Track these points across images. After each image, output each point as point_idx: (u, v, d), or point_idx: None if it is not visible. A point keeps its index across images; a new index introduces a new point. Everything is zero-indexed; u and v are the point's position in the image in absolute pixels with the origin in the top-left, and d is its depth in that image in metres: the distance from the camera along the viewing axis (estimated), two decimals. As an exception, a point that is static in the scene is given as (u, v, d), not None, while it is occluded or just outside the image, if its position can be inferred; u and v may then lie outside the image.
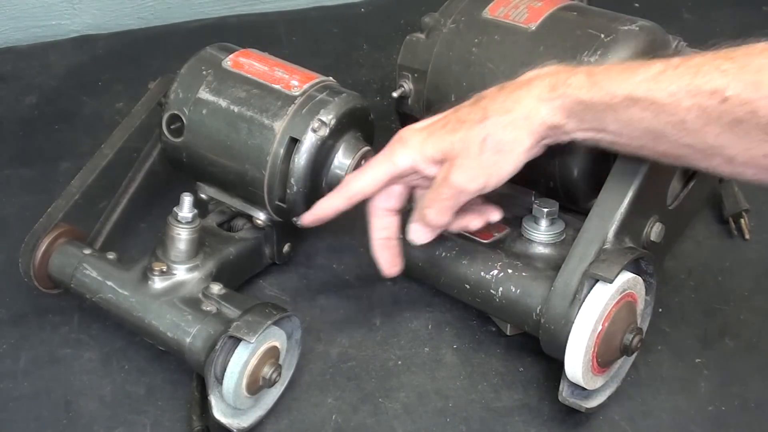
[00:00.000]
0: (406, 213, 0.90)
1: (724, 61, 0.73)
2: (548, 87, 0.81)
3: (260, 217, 0.97)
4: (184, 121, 0.96)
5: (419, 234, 0.88)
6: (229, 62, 0.97)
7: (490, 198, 0.89)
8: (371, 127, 0.98)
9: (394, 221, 0.89)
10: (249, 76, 0.96)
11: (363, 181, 0.86)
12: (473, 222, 0.90)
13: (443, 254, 0.94)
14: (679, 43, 0.97)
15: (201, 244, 0.93)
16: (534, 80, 0.82)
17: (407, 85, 1.04)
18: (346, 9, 1.42)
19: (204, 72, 0.96)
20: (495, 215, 0.91)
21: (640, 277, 0.88)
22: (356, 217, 1.07)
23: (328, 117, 0.92)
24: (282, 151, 0.92)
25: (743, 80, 0.71)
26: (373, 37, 1.35)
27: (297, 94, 0.94)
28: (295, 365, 0.91)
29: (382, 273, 0.90)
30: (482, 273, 0.92)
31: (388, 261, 0.90)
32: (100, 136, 1.02)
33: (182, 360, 0.88)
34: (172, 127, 0.97)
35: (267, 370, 0.85)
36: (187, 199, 0.91)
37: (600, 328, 0.84)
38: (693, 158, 0.78)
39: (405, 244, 0.96)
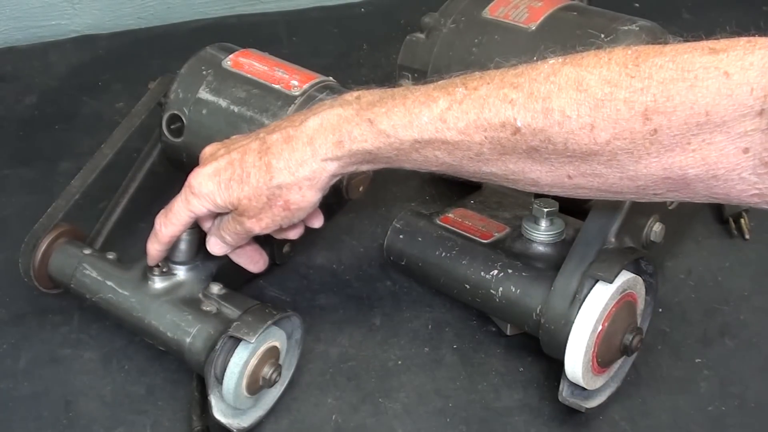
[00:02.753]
0: None
1: (511, 89, 0.72)
2: (333, 144, 0.79)
3: (260, 217, 0.96)
4: (184, 121, 0.96)
5: (217, 248, 0.89)
6: (229, 62, 0.97)
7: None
8: (371, 127, 0.98)
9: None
10: (249, 76, 0.96)
11: (170, 228, 0.87)
12: (287, 233, 0.90)
13: (443, 254, 0.94)
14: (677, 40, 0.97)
15: (201, 244, 0.93)
16: (317, 138, 0.79)
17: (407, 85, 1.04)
18: (346, 9, 1.42)
19: (204, 72, 0.96)
20: (295, 233, 0.90)
21: (640, 277, 0.88)
22: (356, 217, 1.08)
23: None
24: (282, 151, 0.92)
25: (531, 109, 0.70)
26: (373, 37, 1.35)
27: (297, 94, 0.94)
28: (295, 365, 0.91)
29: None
30: (482, 273, 0.92)
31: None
32: (100, 136, 1.02)
33: (182, 360, 0.88)
34: (172, 127, 0.97)
35: (267, 370, 0.85)
36: (187, 199, 0.91)
37: (600, 328, 0.84)
38: (500, 181, 0.77)
39: (405, 241, 0.97)
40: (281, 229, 0.87)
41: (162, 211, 0.87)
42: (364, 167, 0.81)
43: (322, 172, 0.80)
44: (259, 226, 0.84)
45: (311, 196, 0.82)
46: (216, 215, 0.87)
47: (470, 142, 0.74)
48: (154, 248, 0.89)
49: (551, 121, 0.70)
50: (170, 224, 0.87)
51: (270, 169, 0.81)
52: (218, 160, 0.84)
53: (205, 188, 0.84)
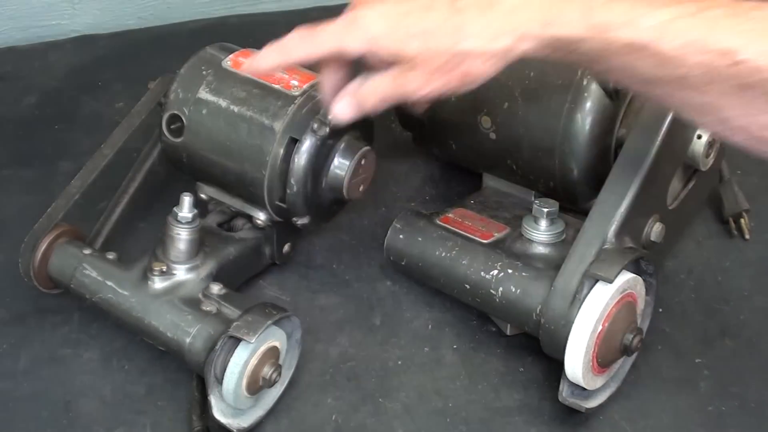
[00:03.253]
0: None
1: (745, 20, 0.67)
2: (539, 23, 0.71)
3: (260, 217, 0.96)
4: (184, 121, 0.96)
5: (347, 110, 0.79)
6: (229, 62, 0.97)
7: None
8: (371, 127, 0.98)
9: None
10: (249, 76, 0.96)
11: (305, 47, 0.78)
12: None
13: (443, 254, 0.94)
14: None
15: (201, 244, 0.93)
16: (522, 11, 0.72)
17: (407, 85, 1.04)
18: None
19: (204, 72, 0.96)
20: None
21: (640, 277, 0.88)
22: (356, 217, 1.08)
23: (328, 117, 0.91)
24: (282, 151, 0.92)
25: (761, 46, 0.66)
26: (373, 37, 1.35)
27: (297, 94, 0.94)
28: (295, 365, 0.91)
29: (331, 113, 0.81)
30: (482, 273, 0.92)
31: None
32: (100, 136, 1.02)
33: (182, 360, 0.88)
34: (172, 127, 0.97)
35: (267, 370, 0.85)
36: (187, 199, 0.91)
37: (600, 328, 0.84)
38: (684, 110, 0.72)
39: (405, 241, 0.97)
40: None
41: (304, 28, 0.77)
42: (555, 56, 0.72)
43: (515, 49, 0.72)
44: (426, 89, 0.74)
45: (493, 70, 0.73)
46: (352, 72, 0.78)
47: (682, 61, 0.68)
48: (270, 57, 0.79)
49: None
50: (308, 43, 0.77)
51: (460, 32, 0.72)
52: (397, 3, 0.74)
53: (375, 27, 0.74)
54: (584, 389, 0.87)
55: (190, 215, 0.91)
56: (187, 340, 0.87)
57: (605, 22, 0.70)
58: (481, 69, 0.74)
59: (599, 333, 0.85)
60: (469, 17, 0.72)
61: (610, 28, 0.69)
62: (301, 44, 0.77)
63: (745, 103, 0.69)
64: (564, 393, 0.86)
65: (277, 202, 0.94)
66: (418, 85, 0.74)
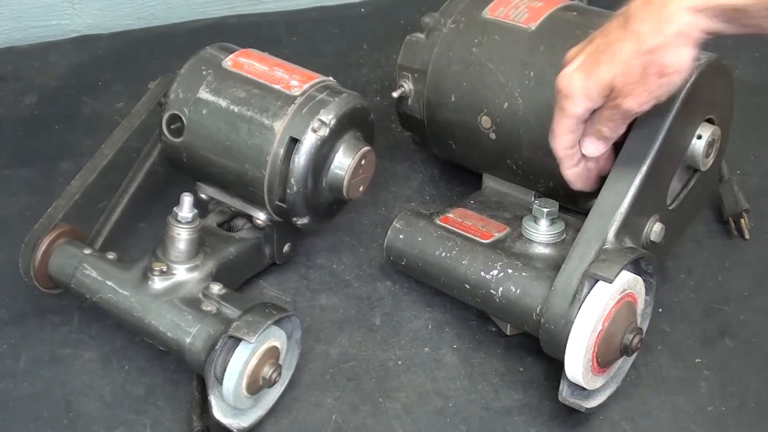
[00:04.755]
0: None
1: None
2: None
3: (260, 217, 0.97)
4: (184, 121, 0.96)
5: (593, 147, 0.87)
6: (229, 62, 0.97)
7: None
8: (371, 127, 0.98)
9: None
10: (249, 76, 0.96)
11: (561, 141, 0.86)
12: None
13: (443, 254, 0.94)
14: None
15: (201, 244, 0.93)
16: None
17: (407, 85, 1.04)
18: (346, 9, 1.42)
19: (204, 72, 0.96)
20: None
21: (640, 277, 0.88)
22: (356, 217, 1.08)
23: (328, 117, 0.92)
24: (282, 151, 0.92)
25: None
26: (373, 37, 1.35)
27: (297, 94, 0.94)
28: (295, 365, 0.91)
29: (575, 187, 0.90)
30: (482, 273, 0.92)
31: (584, 177, 0.89)
32: (100, 136, 1.02)
33: (182, 360, 0.88)
34: (172, 127, 0.97)
35: (267, 370, 0.85)
36: (187, 199, 0.91)
37: (600, 328, 0.85)
38: None
39: (405, 241, 0.97)
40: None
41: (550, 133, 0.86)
42: (730, 28, 0.76)
43: (692, 25, 0.76)
44: (638, 102, 0.80)
45: (687, 54, 0.77)
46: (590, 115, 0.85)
47: None
48: (567, 171, 0.88)
49: None
50: (559, 137, 0.86)
51: (638, 36, 0.78)
52: (583, 53, 0.82)
53: (576, 84, 0.82)
54: (584, 389, 0.87)
55: (190, 215, 0.91)
56: (187, 340, 0.87)
57: None
58: (675, 58, 0.77)
59: (599, 333, 0.85)
60: (639, 19, 0.78)
61: None
62: (556, 140, 0.87)
63: None
64: (564, 393, 0.86)
65: (277, 202, 0.94)
66: (633, 102, 0.80)
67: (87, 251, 0.94)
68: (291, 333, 0.89)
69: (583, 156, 0.88)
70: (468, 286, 0.93)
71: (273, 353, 0.86)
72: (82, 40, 1.35)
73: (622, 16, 0.81)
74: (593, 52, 0.82)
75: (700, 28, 0.77)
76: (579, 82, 0.83)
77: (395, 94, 1.04)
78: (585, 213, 0.90)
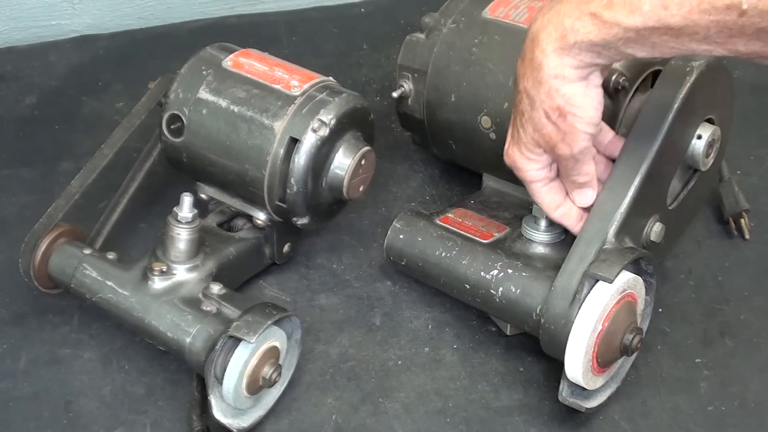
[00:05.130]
0: None
1: None
2: (557, 39, 0.78)
3: (260, 217, 0.97)
4: (184, 121, 0.96)
5: (583, 197, 0.89)
6: (229, 62, 0.97)
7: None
8: (371, 127, 0.98)
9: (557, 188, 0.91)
10: (249, 76, 0.96)
11: (545, 206, 0.90)
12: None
13: (443, 254, 0.94)
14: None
15: (201, 244, 0.93)
16: (540, 35, 0.80)
17: (407, 85, 1.04)
18: (346, 9, 1.42)
19: (204, 72, 0.96)
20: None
21: (640, 277, 0.88)
22: (356, 217, 1.08)
23: (328, 117, 0.92)
24: (282, 151, 0.92)
25: None
26: (373, 37, 1.35)
27: (297, 94, 0.94)
28: (295, 365, 0.91)
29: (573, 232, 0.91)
30: (482, 273, 0.92)
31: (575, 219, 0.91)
32: (100, 136, 1.02)
33: (182, 360, 0.88)
34: (172, 127, 0.97)
35: (267, 370, 0.85)
36: (187, 199, 0.91)
37: (600, 328, 0.84)
38: (738, 58, 0.75)
39: (405, 241, 0.97)
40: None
41: None
42: (601, 60, 0.79)
43: (562, 66, 0.79)
44: (567, 146, 0.83)
45: (575, 89, 0.81)
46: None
47: (696, 26, 0.72)
48: (576, 228, 0.90)
49: None
50: (543, 204, 0.90)
51: (528, 94, 0.82)
52: (510, 126, 0.87)
53: (515, 157, 0.87)
54: (584, 389, 0.87)
55: (190, 215, 0.91)
56: (187, 340, 0.87)
57: (611, 18, 0.75)
58: (563, 98, 0.81)
59: (599, 333, 0.85)
60: (523, 76, 0.82)
61: (618, 21, 0.75)
62: (543, 207, 0.91)
63: None
64: (564, 393, 0.86)
65: (277, 202, 0.94)
66: (564, 148, 0.84)
67: (87, 251, 0.94)
68: (291, 333, 0.89)
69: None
70: (468, 286, 0.93)
71: (273, 353, 0.86)
72: (82, 40, 1.35)
73: (515, 82, 0.84)
74: (513, 122, 0.87)
75: (572, 65, 0.79)
76: (516, 154, 0.87)
77: (395, 94, 1.04)
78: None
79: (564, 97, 0.81)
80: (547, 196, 0.89)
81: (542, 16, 0.80)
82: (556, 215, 0.90)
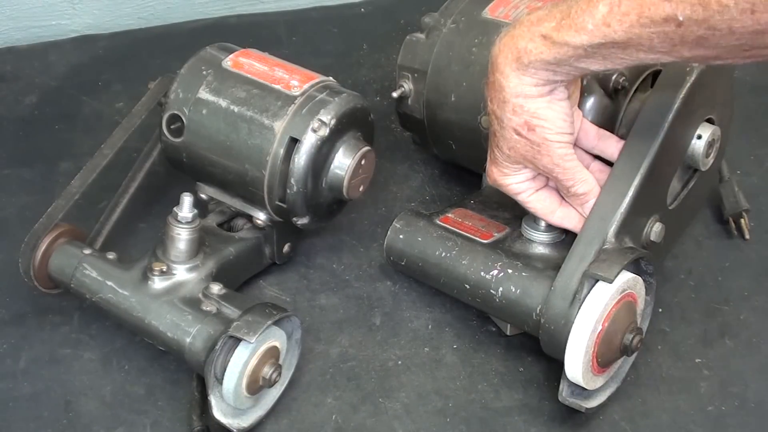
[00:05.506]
0: None
1: None
2: (513, 60, 0.82)
3: (260, 217, 0.97)
4: (184, 121, 0.96)
5: (589, 208, 0.90)
6: (229, 62, 0.97)
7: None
8: (371, 127, 0.98)
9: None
10: (249, 76, 0.96)
11: (545, 212, 0.91)
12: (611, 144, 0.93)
13: (443, 254, 0.94)
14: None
15: (201, 244, 0.93)
16: (498, 59, 0.83)
17: (407, 85, 1.04)
18: (346, 9, 1.42)
19: (204, 72, 0.96)
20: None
21: (640, 277, 0.88)
22: (356, 217, 1.08)
23: (328, 117, 0.92)
24: (282, 151, 0.92)
25: (689, 3, 0.71)
26: (373, 37, 1.35)
27: (297, 94, 0.94)
28: (295, 365, 0.91)
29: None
30: (482, 273, 0.92)
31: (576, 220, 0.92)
32: (100, 136, 1.02)
33: (182, 360, 0.88)
34: (172, 127, 0.97)
35: (267, 370, 0.85)
36: (187, 199, 0.91)
37: (600, 328, 0.84)
38: (690, 62, 0.78)
39: (405, 241, 0.97)
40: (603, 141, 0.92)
41: None
42: (558, 77, 0.82)
43: (521, 85, 0.83)
44: (546, 158, 0.86)
45: (536, 106, 0.83)
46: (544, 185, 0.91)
47: (639, 39, 0.75)
48: (570, 228, 0.91)
49: (710, 12, 0.70)
50: (540, 214, 0.91)
51: (496, 115, 0.85)
52: (492, 151, 0.89)
53: (496, 177, 0.90)
54: (584, 389, 0.87)
55: (190, 215, 0.91)
56: (187, 340, 0.87)
57: (559, 39, 0.79)
58: (530, 113, 0.84)
59: (599, 333, 0.85)
60: (489, 102, 0.86)
61: (566, 41, 0.78)
62: (542, 217, 0.92)
63: (714, 47, 0.73)
64: (564, 393, 0.86)
65: (277, 202, 0.94)
66: (545, 161, 0.86)
67: (87, 251, 0.94)
68: (291, 333, 0.89)
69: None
70: (468, 286, 0.93)
71: (273, 353, 0.86)
72: (82, 40, 1.35)
73: (485, 105, 0.87)
74: (489, 143, 0.89)
75: (531, 83, 0.83)
76: (495, 173, 0.90)
77: (395, 94, 1.04)
78: (585, 213, 0.90)
79: (529, 113, 0.84)
80: (538, 203, 0.90)
81: (499, 41, 0.83)
82: (556, 220, 0.91)
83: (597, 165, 0.92)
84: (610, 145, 0.92)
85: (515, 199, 0.91)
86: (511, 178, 0.89)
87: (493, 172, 0.90)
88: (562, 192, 0.90)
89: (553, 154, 0.86)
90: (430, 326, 0.97)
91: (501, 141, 0.87)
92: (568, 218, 0.91)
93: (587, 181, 0.89)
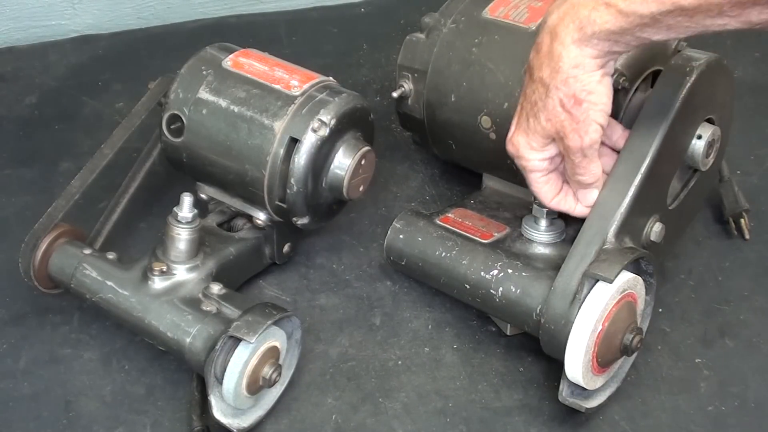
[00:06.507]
0: None
1: None
2: (575, 30, 0.80)
3: (260, 217, 0.97)
4: (184, 121, 0.96)
5: (587, 196, 0.90)
6: (229, 62, 0.97)
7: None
8: (371, 127, 0.98)
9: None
10: (249, 76, 0.96)
11: (543, 196, 0.90)
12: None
13: (443, 254, 0.94)
14: (680, 43, 0.97)
15: (201, 244, 0.93)
16: (558, 28, 0.81)
17: (407, 85, 1.04)
18: (346, 9, 1.42)
19: (204, 72, 0.96)
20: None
21: (640, 277, 0.88)
22: (356, 217, 1.08)
23: (328, 117, 0.92)
24: (282, 151, 0.92)
25: None
26: (373, 37, 1.35)
27: (297, 94, 0.94)
28: (295, 365, 0.91)
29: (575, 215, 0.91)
30: (482, 273, 0.92)
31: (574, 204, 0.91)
32: (100, 136, 1.02)
33: (182, 360, 0.88)
34: (172, 127, 0.97)
35: (267, 370, 0.85)
36: (187, 199, 0.91)
37: (600, 328, 0.84)
38: (751, 29, 0.76)
39: (405, 241, 0.97)
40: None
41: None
42: (618, 48, 0.81)
43: (582, 56, 0.81)
44: (579, 136, 0.84)
45: (588, 78, 0.82)
46: (559, 165, 0.89)
47: (709, 4, 0.74)
48: (576, 212, 0.90)
49: None
50: (540, 195, 0.90)
51: (543, 83, 0.83)
52: (516, 116, 0.88)
53: (520, 144, 0.87)
54: (584, 389, 0.87)
55: (190, 215, 0.91)
56: (187, 340, 0.87)
57: (626, 7, 0.77)
58: (580, 85, 0.82)
59: (599, 333, 0.85)
60: (539, 67, 0.83)
61: (633, 10, 0.76)
62: (541, 198, 0.91)
63: None
64: (564, 393, 0.86)
65: (277, 202, 0.94)
66: (575, 138, 0.84)
67: (87, 251, 0.94)
68: (291, 333, 0.89)
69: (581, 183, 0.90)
70: (468, 286, 0.93)
71: (273, 353, 0.86)
72: (82, 40, 1.35)
73: (527, 72, 0.86)
74: (521, 111, 0.87)
75: (591, 55, 0.81)
76: (521, 142, 0.87)
77: (395, 94, 1.04)
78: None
79: (581, 84, 0.82)
80: (545, 186, 0.90)
81: (557, 9, 0.81)
82: (553, 204, 0.91)
83: (603, 149, 0.91)
84: (616, 131, 0.91)
85: (525, 175, 0.89)
86: (537, 154, 0.87)
87: (519, 141, 0.88)
88: (569, 176, 0.89)
89: (585, 136, 0.84)
90: (430, 326, 0.97)
91: (540, 110, 0.85)
92: (564, 201, 0.90)
93: (597, 173, 0.88)
